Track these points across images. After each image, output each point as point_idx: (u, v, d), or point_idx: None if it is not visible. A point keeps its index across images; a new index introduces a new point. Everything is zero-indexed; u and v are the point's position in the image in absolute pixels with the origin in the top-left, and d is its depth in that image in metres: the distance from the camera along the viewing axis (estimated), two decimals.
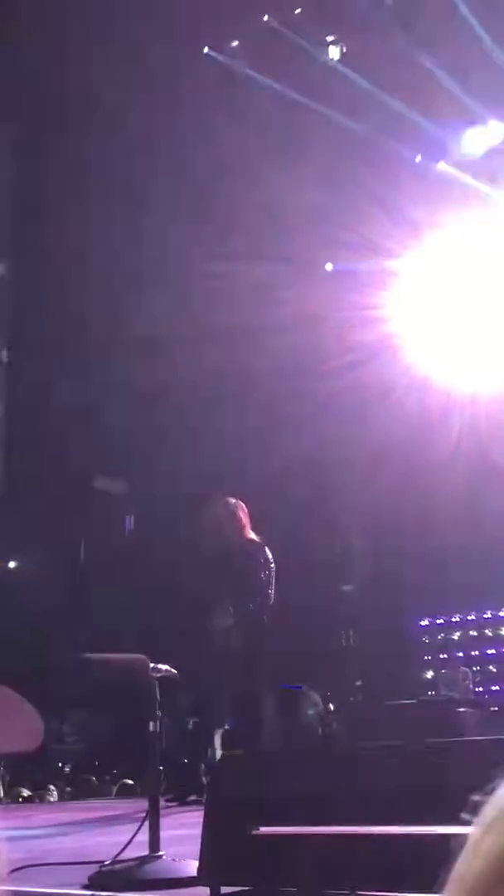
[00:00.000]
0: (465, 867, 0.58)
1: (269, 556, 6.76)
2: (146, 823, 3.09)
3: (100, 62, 9.26)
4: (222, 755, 5.99)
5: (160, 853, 3.01)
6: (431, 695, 10.25)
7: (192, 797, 6.01)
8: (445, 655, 10.65)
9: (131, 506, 12.59)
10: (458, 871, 0.59)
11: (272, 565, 6.74)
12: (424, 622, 11.13)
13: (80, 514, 11.86)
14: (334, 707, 10.82)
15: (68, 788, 9.15)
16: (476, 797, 0.63)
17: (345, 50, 9.94)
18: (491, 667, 10.43)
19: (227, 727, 7.25)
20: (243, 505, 6.90)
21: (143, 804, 3.23)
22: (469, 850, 0.59)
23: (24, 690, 1.14)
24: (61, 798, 8.93)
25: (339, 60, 9.96)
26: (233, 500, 6.89)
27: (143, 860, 2.97)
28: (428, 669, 10.86)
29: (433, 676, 10.69)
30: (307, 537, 10.59)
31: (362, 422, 10.46)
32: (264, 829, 2.63)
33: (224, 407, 10.15)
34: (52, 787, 9.03)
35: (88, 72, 9.17)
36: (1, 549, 10.48)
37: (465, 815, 0.63)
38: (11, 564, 11.29)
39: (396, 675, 10.70)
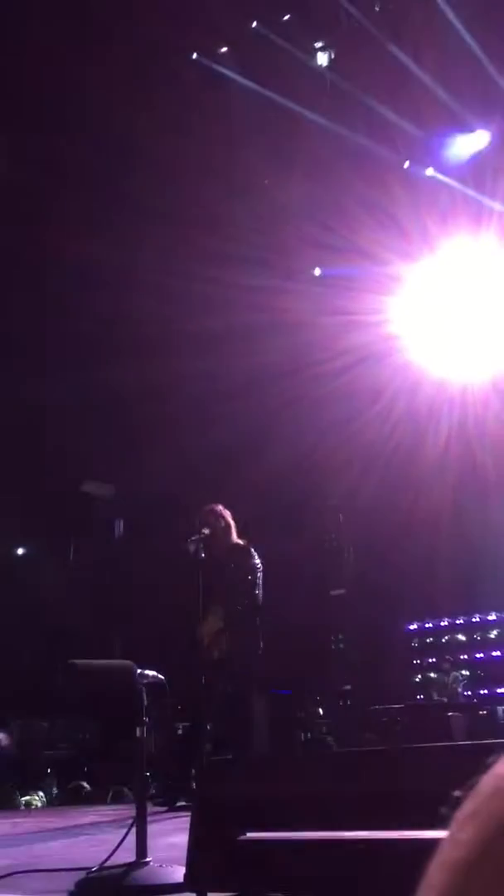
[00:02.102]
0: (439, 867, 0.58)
1: (256, 558, 6.78)
2: (133, 829, 3.08)
3: (88, 67, 9.26)
4: (210, 761, 5.98)
5: (147, 859, 3.01)
6: (420, 699, 10.27)
7: (182, 802, 5.99)
8: (434, 659, 10.68)
9: (119, 510, 12.59)
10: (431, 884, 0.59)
11: (259, 568, 6.75)
12: (413, 626, 11.16)
13: (68, 519, 11.85)
14: (323, 711, 10.83)
15: (61, 794, 9.11)
16: (452, 801, 0.63)
17: (333, 56, 9.98)
18: (479, 671, 10.46)
19: (216, 731, 7.25)
20: (226, 511, 6.92)
21: (131, 810, 3.22)
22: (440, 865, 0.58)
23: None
24: (51, 804, 8.90)
25: (327, 67, 10.00)
26: (218, 507, 6.90)
27: (129, 866, 2.96)
28: (417, 674, 10.89)
29: (422, 680, 10.71)
30: (296, 542, 10.60)
31: (351, 426, 10.48)
32: (251, 835, 2.62)
33: (213, 411, 10.16)
34: (41, 793, 9.00)
35: (77, 77, 9.16)
36: None
37: (444, 811, 0.64)
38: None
39: (385, 680, 10.71)
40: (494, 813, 0.55)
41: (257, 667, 6.82)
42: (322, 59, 9.95)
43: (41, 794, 8.93)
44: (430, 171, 10.08)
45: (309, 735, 10.41)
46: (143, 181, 9.96)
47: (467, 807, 0.59)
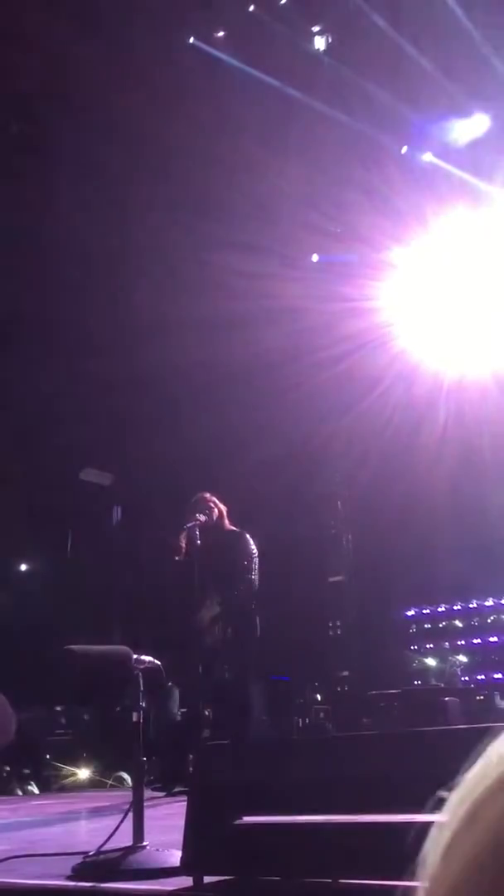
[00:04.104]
0: (440, 868, 0.57)
1: (251, 543, 6.81)
2: (130, 813, 3.09)
3: (84, 53, 9.20)
4: (206, 745, 6.00)
5: (144, 843, 3.02)
6: (418, 684, 10.31)
7: (180, 787, 6.02)
8: (432, 645, 10.72)
9: (118, 497, 12.59)
10: (432, 871, 0.58)
11: (254, 553, 6.79)
12: (411, 612, 11.19)
13: (66, 506, 11.84)
14: (321, 697, 10.87)
15: (59, 780, 9.15)
16: (446, 789, 0.63)
17: (331, 40, 9.91)
18: (476, 656, 10.50)
19: (214, 717, 7.28)
20: (216, 498, 6.95)
21: (130, 795, 3.24)
22: (443, 850, 0.58)
23: (11, 683, 1.13)
24: (50, 789, 8.94)
25: (324, 51, 9.93)
26: (208, 494, 6.93)
27: (126, 850, 2.97)
28: (414, 659, 10.92)
29: (419, 666, 10.75)
30: (294, 528, 10.61)
31: (349, 413, 10.48)
32: (247, 819, 2.64)
33: (211, 398, 10.15)
34: (44, 777, 9.05)
35: (73, 64, 9.11)
36: None
37: (441, 795, 0.64)
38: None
39: (383, 665, 10.74)
40: (493, 800, 0.55)
41: (254, 653, 6.84)
42: (320, 43, 9.88)
43: (33, 783, 8.97)
44: (428, 156, 10.04)
45: (307, 720, 10.46)
46: (138, 167, 9.91)
47: (462, 790, 0.59)
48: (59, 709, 10.26)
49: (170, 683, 7.27)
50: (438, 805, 0.63)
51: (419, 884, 0.60)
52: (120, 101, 9.31)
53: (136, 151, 9.83)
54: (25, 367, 10.57)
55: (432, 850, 0.59)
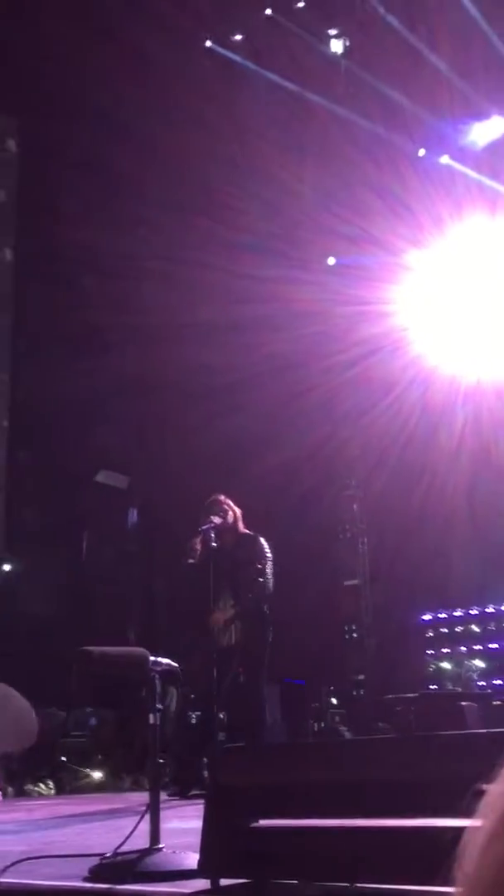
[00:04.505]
0: (474, 872, 0.57)
1: (266, 547, 6.81)
2: (147, 816, 3.09)
3: (102, 56, 9.24)
4: (223, 748, 6.00)
5: (160, 845, 3.02)
6: (434, 689, 10.26)
7: (195, 791, 6.01)
8: (448, 650, 10.67)
9: (134, 499, 12.61)
10: (468, 874, 0.58)
11: (269, 556, 6.78)
12: (427, 617, 11.14)
13: (82, 508, 11.88)
14: (337, 701, 10.85)
15: (76, 782, 9.16)
16: (477, 790, 0.63)
17: (348, 43, 9.92)
18: (493, 661, 10.44)
19: (229, 720, 7.27)
20: (230, 501, 6.95)
21: (146, 798, 3.23)
22: (476, 854, 0.58)
23: (29, 685, 1.13)
24: (65, 791, 8.95)
25: (341, 54, 9.94)
26: (223, 496, 6.93)
27: (143, 852, 2.97)
28: (431, 664, 10.87)
29: (436, 670, 10.70)
30: (310, 532, 10.60)
31: (366, 416, 10.46)
32: (264, 822, 2.63)
33: (227, 400, 10.15)
34: (49, 782, 9.05)
35: (91, 65, 9.15)
36: (6, 543, 10.48)
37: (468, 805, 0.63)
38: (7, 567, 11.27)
39: (399, 670, 10.70)
40: None
41: (268, 656, 6.83)
42: (336, 46, 9.89)
43: (50, 783, 8.98)
44: (445, 159, 10.02)
45: (322, 724, 10.43)
46: (155, 170, 9.95)
47: (494, 794, 0.59)
48: (74, 711, 10.28)
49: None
50: (469, 809, 0.63)
51: (454, 888, 0.60)
52: (135, 104, 9.36)
53: (152, 155, 9.87)
54: (42, 370, 10.62)
55: (468, 854, 0.59)
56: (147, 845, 3.01)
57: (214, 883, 2.59)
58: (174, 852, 2.97)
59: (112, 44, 9.18)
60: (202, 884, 2.60)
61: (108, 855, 3.00)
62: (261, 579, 6.70)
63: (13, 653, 9.84)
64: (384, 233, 9.82)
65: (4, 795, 8.14)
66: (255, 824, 2.63)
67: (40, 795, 8.55)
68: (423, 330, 10.53)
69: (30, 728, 1.13)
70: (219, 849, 2.63)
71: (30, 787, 8.71)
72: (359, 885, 2.37)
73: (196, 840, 2.67)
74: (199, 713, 7.14)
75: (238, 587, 6.72)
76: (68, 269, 10.27)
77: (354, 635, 11.52)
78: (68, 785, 9.10)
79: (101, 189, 9.89)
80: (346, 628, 11.54)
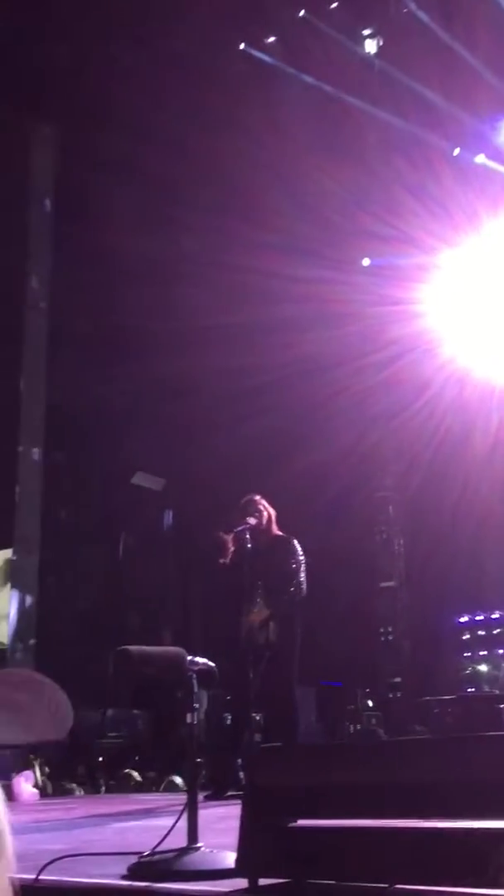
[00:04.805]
0: None
1: (299, 549, 6.81)
2: (184, 815, 3.10)
3: (136, 61, 9.30)
4: (260, 747, 6.00)
5: (199, 844, 3.02)
6: (471, 691, 10.18)
7: (231, 792, 6.02)
8: (485, 652, 10.57)
9: (170, 501, 12.66)
10: None
11: (301, 558, 6.78)
12: (464, 619, 11.05)
13: (119, 510, 11.95)
14: (373, 703, 10.80)
15: (112, 782, 9.22)
16: None
17: (381, 43, 9.89)
18: None
19: (263, 721, 7.27)
20: (265, 501, 6.94)
21: (182, 798, 3.24)
22: None
23: (64, 685, 1.15)
24: (102, 792, 9.01)
25: (375, 54, 9.91)
26: (258, 497, 6.93)
27: (181, 851, 2.97)
28: (467, 666, 10.79)
29: (472, 673, 10.62)
30: (345, 533, 10.57)
31: (399, 417, 10.41)
32: (302, 822, 2.63)
33: (262, 401, 10.16)
34: (98, 780, 9.13)
35: (124, 69, 9.21)
36: (43, 545, 10.57)
37: None
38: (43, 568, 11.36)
39: (435, 672, 10.64)
40: None
41: (298, 657, 6.82)
42: (370, 46, 9.86)
43: (89, 783, 9.04)
44: (480, 158, 9.94)
45: (358, 727, 10.40)
46: (189, 173, 9.98)
47: None
48: (111, 712, 10.34)
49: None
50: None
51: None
52: (170, 108, 9.40)
53: (186, 158, 9.91)
54: (78, 373, 10.70)
55: None
56: (185, 844, 3.02)
57: (252, 882, 2.58)
58: (212, 852, 2.98)
59: (145, 48, 9.24)
60: (240, 883, 2.60)
61: (146, 853, 3.01)
62: (294, 581, 6.70)
63: (49, 653, 9.92)
64: (419, 232, 9.78)
65: (42, 795, 8.22)
66: (292, 824, 2.62)
67: (78, 795, 8.62)
68: (457, 330, 10.46)
69: (66, 717, 1.14)
70: (256, 848, 2.63)
71: (67, 786, 8.78)
72: (397, 886, 2.36)
73: (233, 840, 2.67)
74: (233, 714, 7.15)
75: (271, 588, 6.73)
76: (103, 272, 10.34)
77: (390, 637, 11.47)
78: (105, 785, 9.16)
79: (135, 192, 9.95)
80: (382, 630, 11.49)
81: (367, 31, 9.90)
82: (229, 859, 2.74)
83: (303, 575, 6.77)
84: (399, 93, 9.61)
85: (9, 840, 0.92)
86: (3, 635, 10.22)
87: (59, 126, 10.60)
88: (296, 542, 6.87)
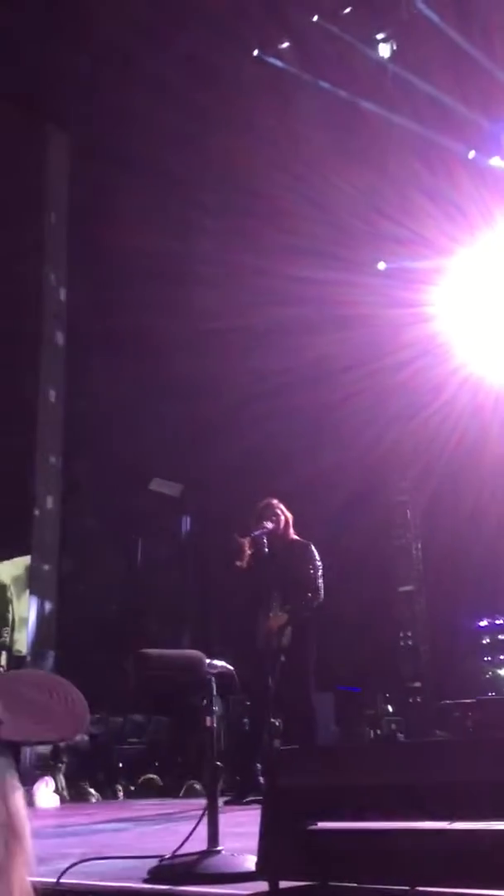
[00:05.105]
0: None
1: (316, 554, 6.80)
2: (205, 819, 3.10)
3: (151, 67, 9.35)
4: (279, 750, 5.99)
5: (219, 848, 3.02)
6: (492, 695, 10.13)
7: (251, 797, 6.01)
8: None
9: (186, 507, 12.67)
10: None
11: (319, 563, 6.77)
12: (483, 623, 11.00)
13: (136, 516, 11.97)
14: (392, 708, 10.76)
15: (132, 788, 9.24)
16: None
17: (395, 47, 9.90)
18: None
19: (280, 725, 7.26)
20: (282, 506, 6.93)
21: (202, 802, 3.25)
22: None
23: (84, 691, 1.16)
24: (122, 797, 9.02)
25: (389, 58, 9.91)
26: (275, 501, 6.92)
27: (202, 855, 2.98)
28: (488, 670, 10.73)
29: (492, 677, 10.56)
30: (362, 537, 10.54)
31: (415, 420, 10.39)
32: (322, 824, 2.62)
33: (276, 404, 10.16)
34: (116, 786, 9.14)
35: (139, 72, 9.26)
36: (62, 552, 10.61)
37: None
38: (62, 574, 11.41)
39: (455, 676, 10.58)
40: None
41: (317, 663, 6.81)
42: (384, 50, 9.88)
43: (119, 787, 9.06)
44: (496, 160, 9.92)
45: (378, 732, 10.36)
46: (205, 175, 10.02)
47: None
48: (130, 717, 10.36)
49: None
50: None
51: None
52: (186, 111, 9.43)
53: (202, 160, 9.94)
54: (95, 379, 10.74)
55: None
56: (205, 848, 3.03)
57: (273, 885, 2.58)
58: (233, 855, 2.98)
59: (161, 54, 9.28)
60: (261, 886, 2.59)
61: (167, 857, 3.01)
62: (312, 586, 6.70)
63: (69, 660, 9.95)
64: (435, 235, 9.76)
65: (62, 801, 8.23)
66: (313, 827, 2.62)
67: (97, 801, 8.63)
68: (472, 333, 10.43)
69: (83, 715, 1.14)
70: (276, 851, 2.62)
71: (87, 791, 8.80)
72: (419, 889, 2.35)
73: (254, 843, 2.67)
74: (252, 719, 7.15)
75: (288, 593, 6.72)
76: (119, 275, 10.39)
77: (409, 642, 11.42)
78: (125, 791, 9.17)
79: (151, 194, 10.00)
80: (401, 634, 11.44)
81: (380, 36, 9.92)
82: (250, 862, 2.74)
83: (320, 580, 6.76)
84: (413, 96, 9.62)
85: (29, 841, 0.93)
86: (22, 642, 10.26)
87: (75, 129, 10.66)
88: (313, 546, 6.86)
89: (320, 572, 6.77)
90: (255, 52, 9.94)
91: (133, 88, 9.28)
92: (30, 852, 0.92)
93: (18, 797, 0.94)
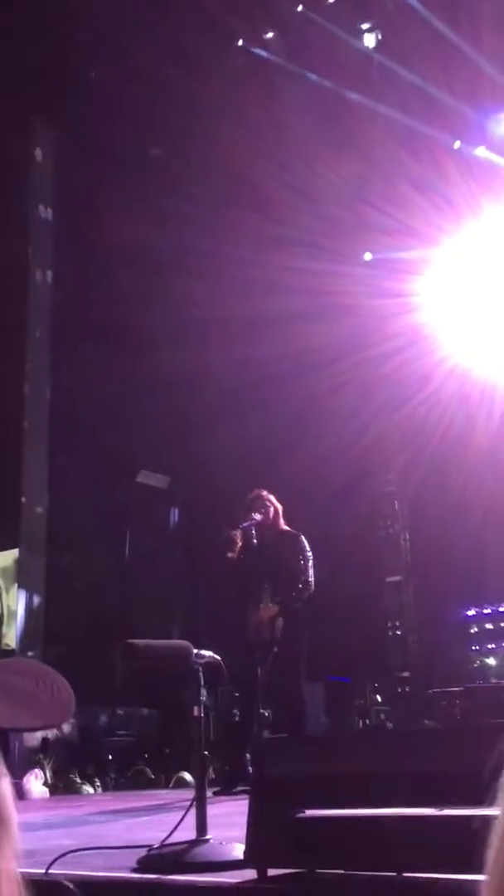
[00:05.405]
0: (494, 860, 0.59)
1: (306, 544, 6.81)
2: (193, 808, 3.11)
3: (135, 58, 9.31)
4: (267, 739, 6.01)
5: (207, 837, 3.03)
6: (479, 684, 10.18)
7: (240, 788, 6.03)
8: (493, 645, 10.56)
9: (174, 498, 12.67)
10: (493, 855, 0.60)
11: (309, 553, 6.78)
12: (471, 612, 11.04)
13: (124, 508, 11.95)
14: (381, 698, 10.80)
15: (121, 780, 9.25)
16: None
17: (380, 37, 9.88)
18: None
19: (270, 716, 7.28)
20: (272, 497, 6.95)
21: (191, 793, 3.26)
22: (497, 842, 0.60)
23: (73, 684, 1.16)
24: (111, 789, 9.03)
25: (374, 48, 9.89)
26: (264, 492, 6.93)
27: (190, 844, 2.99)
28: (476, 660, 10.78)
29: (480, 666, 10.61)
30: (349, 528, 10.56)
31: (402, 410, 10.40)
32: (310, 812, 2.63)
33: (263, 395, 10.16)
34: (105, 778, 9.15)
35: (125, 64, 9.22)
36: (49, 545, 10.60)
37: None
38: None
39: (443, 666, 10.63)
40: None
41: (306, 653, 6.83)
42: (369, 40, 9.86)
43: (96, 781, 9.06)
44: (481, 150, 9.92)
45: (367, 722, 10.40)
46: (189, 166, 9.99)
47: None
48: (119, 710, 10.37)
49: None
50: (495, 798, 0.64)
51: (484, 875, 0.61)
52: (172, 100, 9.40)
53: (187, 151, 9.91)
54: (82, 371, 10.71)
55: (493, 843, 0.60)
56: (194, 837, 3.04)
57: (261, 873, 2.59)
58: (221, 843, 2.99)
59: (144, 47, 9.24)
60: (250, 874, 2.60)
61: (155, 847, 3.02)
62: (302, 577, 6.71)
63: (57, 653, 9.94)
64: (421, 225, 9.76)
65: (51, 793, 8.24)
66: (300, 815, 2.63)
67: (87, 793, 8.64)
68: (459, 323, 10.44)
69: (69, 702, 1.14)
70: (265, 839, 2.64)
71: (76, 784, 8.80)
72: (406, 874, 2.37)
73: (242, 833, 2.68)
74: (241, 710, 7.16)
75: (279, 584, 6.73)
76: (105, 266, 10.35)
77: (398, 632, 11.45)
78: (114, 783, 9.19)
79: (136, 185, 9.96)
80: (390, 625, 11.47)
81: (365, 26, 9.90)
82: (238, 851, 2.75)
83: (311, 571, 6.77)
84: (399, 86, 9.60)
85: (16, 827, 0.93)
86: (11, 636, 10.25)
87: (61, 120, 10.62)
88: (303, 537, 6.87)
89: (311, 563, 6.78)
90: (240, 43, 9.91)
91: (118, 80, 9.23)
92: (17, 839, 0.92)
93: (5, 784, 0.94)
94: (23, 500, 10.28)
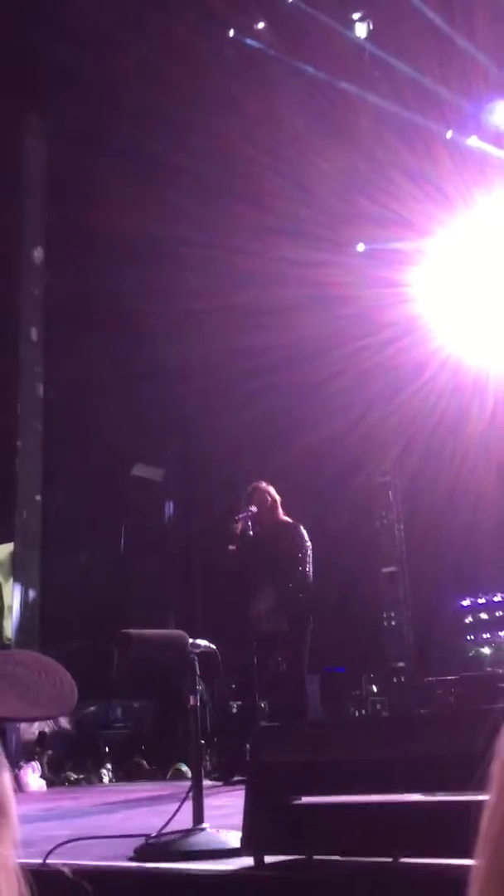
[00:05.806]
0: (487, 829, 0.60)
1: (305, 535, 6.81)
2: (190, 797, 3.12)
3: (129, 49, 9.27)
4: (263, 727, 6.03)
5: (204, 825, 3.04)
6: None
7: (237, 778, 6.04)
8: (488, 635, 10.59)
9: (169, 491, 12.67)
10: (483, 834, 0.61)
11: (308, 544, 6.78)
12: (466, 602, 11.07)
13: (119, 502, 11.96)
14: (377, 688, 10.84)
15: (119, 772, 9.27)
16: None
17: (372, 27, 9.85)
18: None
19: (271, 709, 7.29)
20: (271, 488, 6.94)
21: (188, 785, 3.27)
22: (486, 826, 0.61)
23: (73, 676, 1.17)
24: (110, 781, 9.05)
25: (366, 38, 9.87)
26: (263, 483, 6.93)
27: (187, 832, 3.00)
28: (471, 649, 10.81)
29: (475, 656, 10.64)
30: (345, 518, 10.57)
31: (396, 400, 10.40)
32: (306, 799, 2.64)
33: (259, 385, 10.15)
34: (102, 770, 9.16)
35: (118, 55, 9.18)
36: (45, 539, 10.59)
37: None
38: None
39: (439, 656, 10.66)
40: None
41: (308, 644, 6.83)
42: (361, 30, 9.82)
43: (103, 771, 9.08)
44: (473, 140, 9.91)
45: (363, 712, 10.44)
46: (187, 156, 9.95)
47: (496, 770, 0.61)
48: (116, 702, 10.38)
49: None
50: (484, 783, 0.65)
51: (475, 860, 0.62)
52: (167, 91, 9.37)
53: (182, 142, 9.88)
54: (76, 363, 10.69)
55: (484, 827, 0.61)
56: (191, 826, 3.05)
57: (258, 860, 2.60)
58: (218, 832, 3.00)
59: (142, 39, 9.20)
60: (247, 861, 2.61)
61: (152, 836, 3.03)
62: (301, 568, 6.71)
63: (53, 646, 9.95)
64: (415, 215, 9.75)
65: (49, 785, 8.25)
66: (296, 801, 2.64)
67: (84, 785, 8.66)
68: (453, 313, 10.45)
69: (70, 692, 1.14)
70: (261, 827, 2.64)
71: (73, 776, 8.82)
72: (403, 860, 2.38)
73: (239, 821, 2.69)
74: (240, 703, 7.18)
75: (278, 575, 6.73)
76: (99, 257, 10.33)
77: (393, 622, 11.48)
78: (111, 775, 9.21)
79: (131, 176, 9.92)
80: (385, 615, 11.50)
81: (357, 15, 9.86)
82: (235, 839, 2.76)
83: (309, 561, 6.77)
84: (391, 76, 9.58)
85: (15, 817, 0.93)
86: (7, 630, 10.25)
87: (52, 111, 10.58)
88: (302, 528, 6.87)
89: (309, 553, 6.77)
90: (231, 33, 9.87)
91: (111, 70, 9.19)
92: (16, 828, 0.92)
93: (5, 775, 0.94)
94: (17, 494, 10.27)
